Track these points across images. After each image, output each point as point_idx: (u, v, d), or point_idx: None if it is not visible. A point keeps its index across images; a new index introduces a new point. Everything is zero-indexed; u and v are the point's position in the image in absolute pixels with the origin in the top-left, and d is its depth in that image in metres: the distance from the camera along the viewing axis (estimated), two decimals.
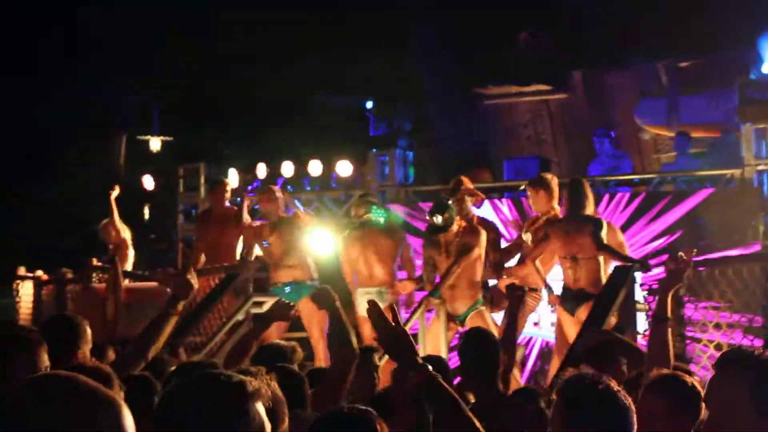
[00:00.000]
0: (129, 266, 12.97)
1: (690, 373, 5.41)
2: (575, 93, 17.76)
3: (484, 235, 10.73)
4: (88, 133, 19.61)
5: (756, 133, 12.47)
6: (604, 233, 10.36)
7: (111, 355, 7.12)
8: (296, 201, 13.06)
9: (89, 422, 2.14)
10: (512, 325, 7.47)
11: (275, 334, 10.23)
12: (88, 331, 5.45)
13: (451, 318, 10.78)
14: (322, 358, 10.98)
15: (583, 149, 17.12)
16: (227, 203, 12.91)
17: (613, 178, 13.51)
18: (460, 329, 10.55)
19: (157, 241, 15.09)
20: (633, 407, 3.57)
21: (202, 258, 12.54)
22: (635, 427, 3.56)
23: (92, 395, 2.18)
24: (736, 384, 3.48)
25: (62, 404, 2.14)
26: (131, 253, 13.09)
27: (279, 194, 12.02)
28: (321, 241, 12.52)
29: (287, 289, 11.50)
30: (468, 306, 10.69)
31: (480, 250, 10.71)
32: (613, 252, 10.30)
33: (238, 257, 12.26)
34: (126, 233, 13.15)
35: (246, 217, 12.54)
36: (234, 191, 14.72)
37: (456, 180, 11.41)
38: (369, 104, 14.60)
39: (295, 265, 11.65)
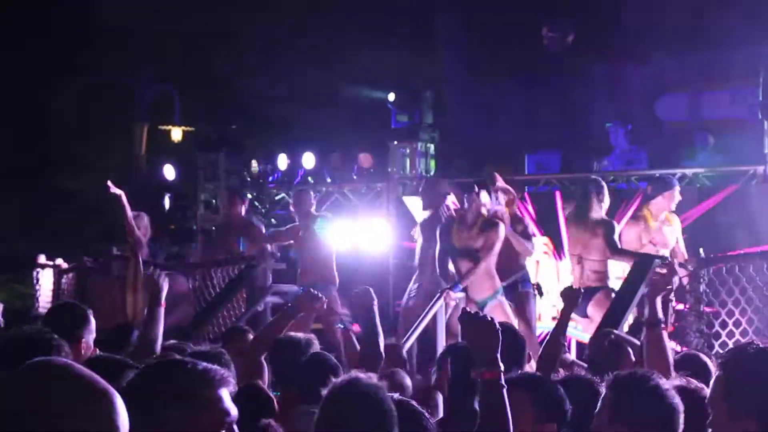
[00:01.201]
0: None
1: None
2: (596, 87, 17.68)
3: (503, 228, 10.73)
4: (110, 122, 19.67)
5: None
6: (616, 236, 10.42)
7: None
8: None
9: (78, 411, 2.12)
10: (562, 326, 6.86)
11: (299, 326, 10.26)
12: (92, 320, 5.44)
13: (470, 299, 10.80)
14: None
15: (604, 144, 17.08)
16: (244, 213, 12.92)
17: (633, 173, 13.46)
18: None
19: (177, 231, 15.10)
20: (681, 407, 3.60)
21: None
22: (681, 427, 3.58)
23: (84, 385, 2.16)
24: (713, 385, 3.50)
25: (51, 392, 2.12)
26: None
27: (311, 195, 12.11)
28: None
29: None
30: (487, 295, 10.69)
31: (500, 242, 10.72)
32: (627, 254, 10.38)
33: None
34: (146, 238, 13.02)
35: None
36: (255, 182, 14.77)
37: (488, 171, 11.39)
38: (391, 96, 14.58)
39: (321, 265, 11.69)
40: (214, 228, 14.20)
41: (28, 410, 2.10)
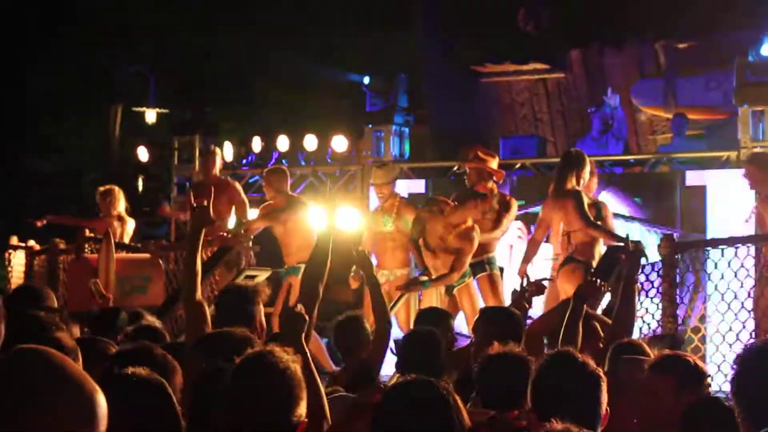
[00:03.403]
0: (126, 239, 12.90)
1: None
2: (572, 72, 17.72)
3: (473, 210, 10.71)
4: (83, 104, 19.57)
5: (753, 116, 12.42)
6: (585, 206, 10.33)
7: (75, 331, 7.05)
8: None
9: (54, 402, 2.09)
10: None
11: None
12: (54, 301, 5.47)
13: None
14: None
15: (581, 129, 17.11)
16: (218, 173, 12.86)
17: (608, 158, 13.47)
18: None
19: (150, 213, 15.04)
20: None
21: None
22: None
23: (63, 375, 2.14)
24: None
25: (28, 382, 2.10)
26: (130, 224, 12.98)
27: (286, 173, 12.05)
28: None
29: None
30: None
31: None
32: (599, 229, 10.29)
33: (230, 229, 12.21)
34: (115, 211, 12.90)
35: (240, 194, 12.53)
36: (229, 164, 14.70)
37: (472, 151, 11.32)
38: (366, 80, 14.54)
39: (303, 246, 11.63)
40: (188, 187, 14.09)
41: (8, 399, 2.08)
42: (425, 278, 10.65)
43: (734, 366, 3.63)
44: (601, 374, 3.93)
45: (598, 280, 6.32)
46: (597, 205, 10.62)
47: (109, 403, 2.15)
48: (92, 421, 2.12)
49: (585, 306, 6.04)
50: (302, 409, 3.31)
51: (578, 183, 10.44)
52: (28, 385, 2.09)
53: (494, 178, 11.20)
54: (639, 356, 5.24)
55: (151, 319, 6.95)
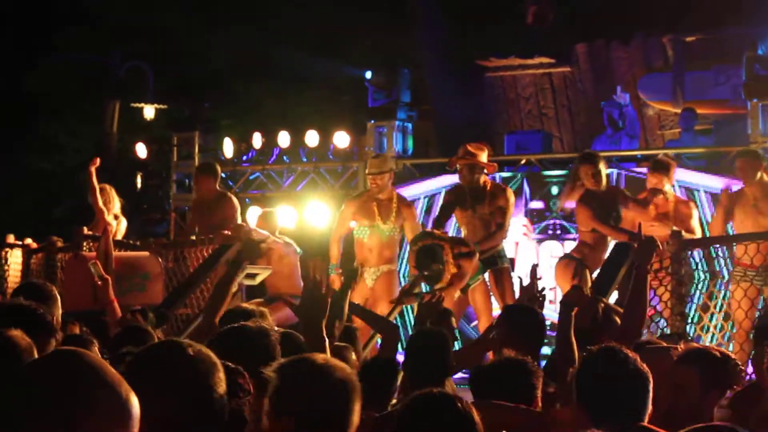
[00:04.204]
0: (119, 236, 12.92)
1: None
2: (579, 67, 17.71)
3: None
4: (80, 100, 19.58)
5: (763, 110, 12.43)
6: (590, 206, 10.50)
7: (75, 330, 7.08)
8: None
9: (92, 404, 2.13)
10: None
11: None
12: (58, 297, 5.50)
13: None
14: None
15: (586, 124, 17.10)
16: (217, 186, 12.82)
17: (615, 153, 13.47)
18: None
19: (149, 211, 15.06)
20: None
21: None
22: None
23: (95, 375, 2.18)
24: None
25: (64, 383, 2.14)
26: (123, 224, 13.01)
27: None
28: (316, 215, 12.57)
29: None
30: (469, 276, 10.73)
31: None
32: (608, 227, 10.47)
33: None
34: (110, 213, 12.91)
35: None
36: (229, 161, 14.72)
37: (463, 149, 11.39)
38: (368, 74, 14.55)
39: None
40: (187, 209, 14.17)
41: (47, 401, 2.12)
42: (418, 290, 10.70)
43: None
44: (648, 372, 3.94)
45: (588, 288, 6.34)
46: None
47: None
48: (127, 422, 2.17)
49: (573, 315, 5.97)
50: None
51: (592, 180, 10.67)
52: (66, 387, 2.13)
53: (486, 171, 11.30)
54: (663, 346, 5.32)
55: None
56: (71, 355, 2.21)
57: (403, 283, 11.52)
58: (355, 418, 3.31)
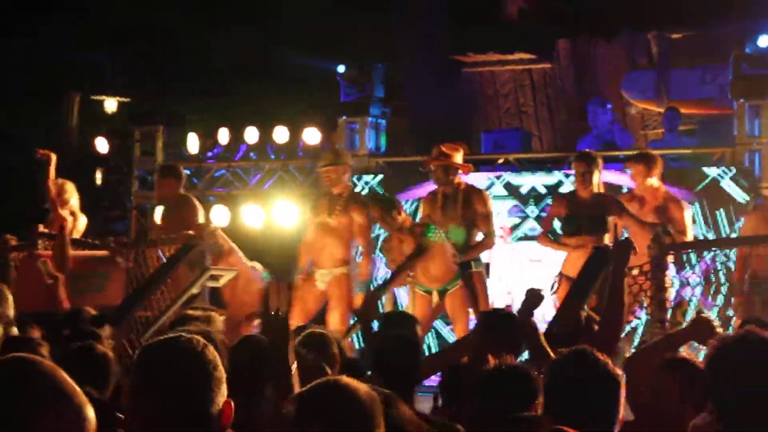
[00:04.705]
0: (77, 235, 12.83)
1: None
2: (560, 63, 17.72)
3: None
4: (39, 92, 19.44)
5: (749, 110, 12.46)
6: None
7: (35, 333, 7.00)
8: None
9: (45, 413, 2.10)
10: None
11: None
12: (9, 297, 5.46)
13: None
14: None
15: (567, 122, 17.11)
16: (181, 190, 12.72)
17: (597, 154, 13.45)
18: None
19: (109, 208, 14.98)
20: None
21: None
22: None
23: (55, 385, 2.15)
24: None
25: (15, 393, 2.11)
26: (82, 221, 12.92)
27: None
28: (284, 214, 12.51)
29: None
30: (448, 280, 10.71)
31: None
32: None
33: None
34: (65, 208, 12.78)
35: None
36: (194, 157, 14.65)
37: (437, 149, 11.35)
38: (341, 68, 14.50)
39: None
40: (149, 207, 14.10)
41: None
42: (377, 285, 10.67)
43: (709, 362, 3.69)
44: (619, 376, 3.93)
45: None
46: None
47: None
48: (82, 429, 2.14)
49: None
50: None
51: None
52: (18, 395, 2.11)
53: (461, 171, 11.26)
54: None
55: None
56: (23, 363, 2.18)
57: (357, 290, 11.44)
58: None
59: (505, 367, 5.05)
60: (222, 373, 3.13)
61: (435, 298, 10.81)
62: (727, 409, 3.52)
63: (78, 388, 2.17)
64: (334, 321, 11.07)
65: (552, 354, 5.98)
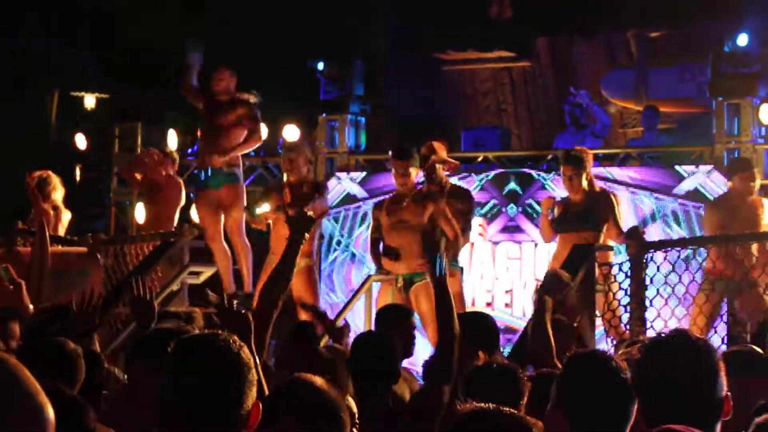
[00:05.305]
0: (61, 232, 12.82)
1: None
2: (539, 61, 17.78)
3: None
4: (16, 88, 19.39)
5: (728, 109, 12.52)
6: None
7: (15, 329, 7.00)
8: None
9: (6, 412, 2.08)
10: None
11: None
12: None
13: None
14: None
15: (546, 121, 17.17)
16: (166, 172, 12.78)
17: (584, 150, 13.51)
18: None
19: (88, 205, 14.95)
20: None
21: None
22: None
23: (14, 385, 2.12)
24: None
25: None
26: (66, 216, 12.89)
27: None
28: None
29: None
30: (415, 272, 10.70)
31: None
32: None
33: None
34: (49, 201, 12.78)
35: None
36: (173, 153, 14.64)
37: (427, 146, 11.41)
38: (321, 66, 14.52)
39: None
40: (128, 203, 14.11)
41: None
42: None
43: (640, 359, 3.74)
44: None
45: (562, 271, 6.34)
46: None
47: None
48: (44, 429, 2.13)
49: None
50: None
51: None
52: None
53: (445, 168, 11.33)
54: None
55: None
56: None
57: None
58: None
59: (493, 364, 5.07)
60: (254, 375, 3.17)
61: (400, 284, 10.78)
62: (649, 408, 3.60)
63: (40, 388, 2.14)
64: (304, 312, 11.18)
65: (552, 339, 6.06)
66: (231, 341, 3.17)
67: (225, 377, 3.12)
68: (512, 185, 13.11)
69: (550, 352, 6.19)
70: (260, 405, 3.15)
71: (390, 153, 11.55)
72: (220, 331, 3.31)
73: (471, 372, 5.13)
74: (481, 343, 5.99)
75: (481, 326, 6.33)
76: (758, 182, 10.81)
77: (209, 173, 11.70)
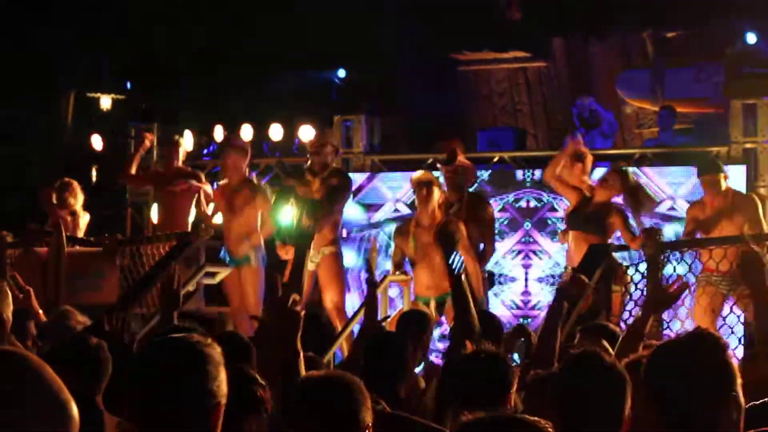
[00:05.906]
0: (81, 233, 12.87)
1: None
2: (555, 62, 17.77)
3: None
4: (33, 89, 19.46)
5: (744, 109, 12.49)
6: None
7: (32, 328, 7.05)
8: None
9: (30, 409, 2.09)
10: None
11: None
12: (8, 293, 5.51)
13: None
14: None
15: (562, 121, 17.16)
16: (181, 163, 12.86)
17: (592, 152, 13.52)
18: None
19: (104, 206, 14.99)
20: None
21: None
22: None
23: (38, 382, 2.13)
24: None
25: (4, 386, 2.09)
26: (84, 219, 12.95)
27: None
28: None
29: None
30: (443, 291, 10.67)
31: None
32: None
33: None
34: (74, 207, 12.86)
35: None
36: (189, 154, 14.68)
37: (451, 150, 11.44)
38: (342, 73, 14.57)
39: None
40: (144, 204, 14.17)
41: None
42: None
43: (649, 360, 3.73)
44: (626, 376, 3.95)
45: (582, 276, 6.31)
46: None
47: None
48: (66, 430, 2.13)
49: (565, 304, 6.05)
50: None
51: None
52: (6, 390, 2.09)
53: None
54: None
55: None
56: (13, 357, 2.17)
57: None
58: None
59: (483, 353, 5.07)
60: (222, 373, 3.17)
61: (432, 305, 10.75)
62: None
63: (63, 385, 2.15)
64: (331, 300, 11.26)
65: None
66: (198, 339, 3.18)
67: (188, 373, 3.12)
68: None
69: (554, 357, 6.19)
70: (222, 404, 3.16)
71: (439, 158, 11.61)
72: (190, 334, 3.34)
73: (459, 360, 5.12)
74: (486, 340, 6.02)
75: (486, 326, 6.34)
76: (723, 183, 10.65)
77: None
